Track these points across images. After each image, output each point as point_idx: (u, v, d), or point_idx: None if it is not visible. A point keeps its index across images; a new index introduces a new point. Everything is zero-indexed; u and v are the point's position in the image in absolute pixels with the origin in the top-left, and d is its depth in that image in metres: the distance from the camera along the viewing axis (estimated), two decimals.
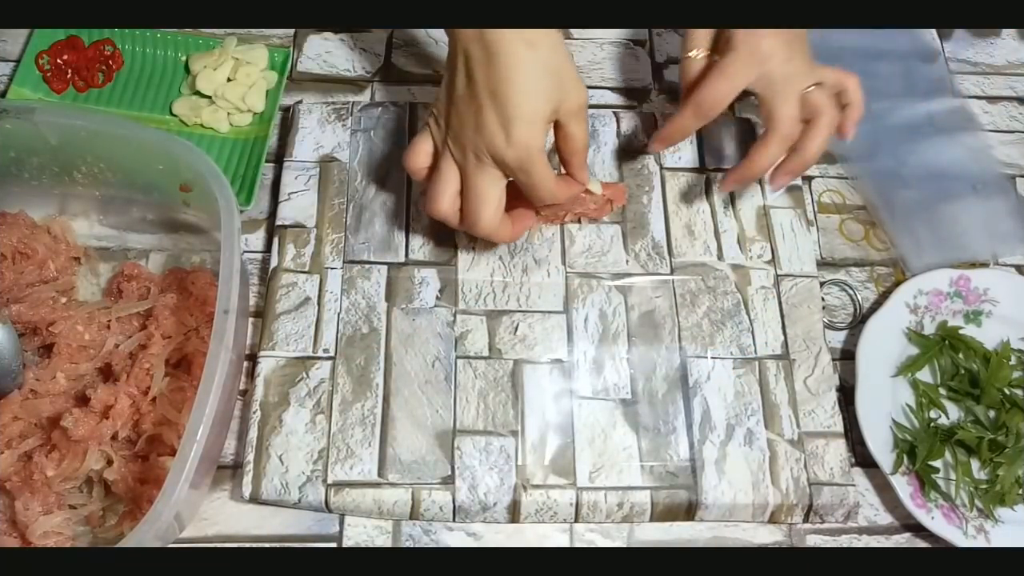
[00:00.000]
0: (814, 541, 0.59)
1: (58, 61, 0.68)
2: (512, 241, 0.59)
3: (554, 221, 0.65)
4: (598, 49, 0.76)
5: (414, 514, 0.56)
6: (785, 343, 0.62)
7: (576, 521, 0.57)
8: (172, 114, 0.68)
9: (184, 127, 0.68)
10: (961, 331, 0.64)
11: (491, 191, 0.53)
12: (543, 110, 0.51)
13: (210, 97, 0.68)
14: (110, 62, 0.69)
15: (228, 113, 0.68)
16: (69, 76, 0.68)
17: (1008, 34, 0.79)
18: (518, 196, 0.55)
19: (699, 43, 0.59)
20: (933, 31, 0.78)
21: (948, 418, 0.62)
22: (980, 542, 0.57)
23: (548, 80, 0.51)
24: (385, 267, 0.63)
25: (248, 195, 0.64)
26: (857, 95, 0.58)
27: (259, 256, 0.65)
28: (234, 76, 0.69)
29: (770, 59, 0.55)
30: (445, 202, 0.54)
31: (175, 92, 0.69)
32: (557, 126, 0.54)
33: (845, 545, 0.59)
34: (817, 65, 0.57)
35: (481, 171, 0.52)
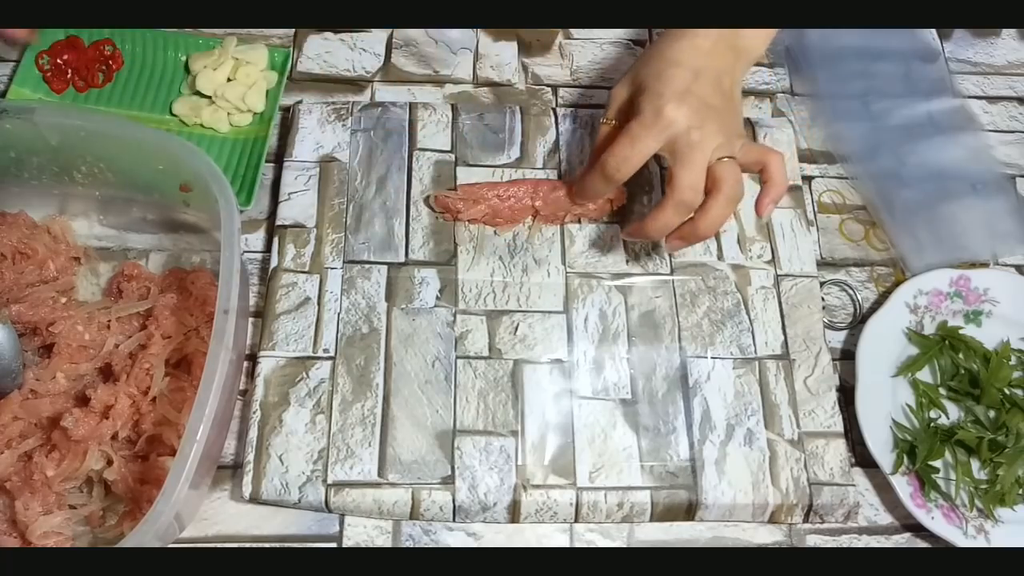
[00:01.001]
0: (814, 541, 0.59)
1: (58, 61, 0.68)
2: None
3: (554, 221, 0.65)
4: (598, 49, 0.76)
5: (414, 514, 0.56)
6: (785, 343, 0.62)
7: (576, 521, 0.57)
8: (172, 114, 0.68)
9: (184, 127, 0.68)
10: (961, 331, 0.64)
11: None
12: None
13: (210, 97, 0.68)
14: (110, 62, 0.69)
15: (228, 113, 0.68)
16: (69, 76, 0.68)
17: (1008, 34, 0.79)
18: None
19: (614, 111, 0.59)
20: (933, 31, 0.78)
21: (948, 418, 0.62)
22: (980, 542, 0.57)
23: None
24: (385, 267, 0.63)
25: (248, 195, 0.64)
26: (779, 174, 0.56)
27: (259, 256, 0.65)
28: (234, 76, 0.68)
29: (673, 124, 0.53)
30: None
31: (175, 92, 0.69)
32: None
33: (845, 545, 0.59)
34: (740, 138, 0.56)
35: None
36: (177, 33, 0.70)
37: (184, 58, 0.70)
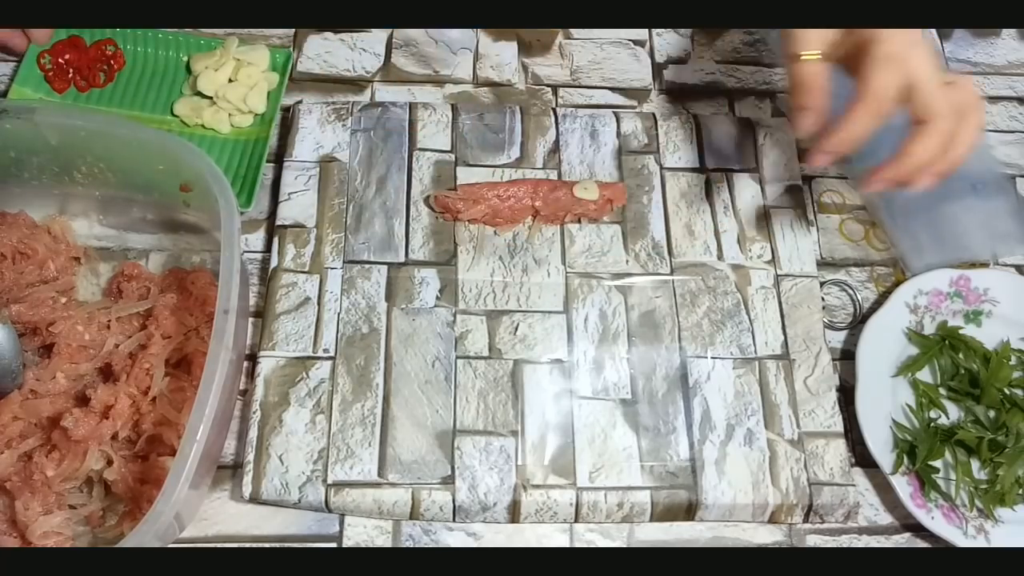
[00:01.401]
0: (814, 541, 0.59)
1: (60, 60, 0.67)
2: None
3: (554, 221, 0.65)
4: (598, 49, 0.76)
5: (414, 514, 0.56)
6: (785, 343, 0.62)
7: (576, 521, 0.57)
8: (173, 114, 0.68)
9: (185, 128, 0.68)
10: (961, 331, 0.64)
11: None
12: None
13: (211, 98, 0.68)
14: (111, 62, 0.69)
15: (229, 114, 0.68)
16: (71, 76, 0.68)
17: (1008, 34, 0.79)
18: None
19: (811, 44, 0.53)
20: (933, 31, 0.78)
21: (948, 418, 0.62)
22: (980, 542, 0.57)
23: None
24: (385, 267, 0.63)
25: (249, 196, 0.64)
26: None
27: (259, 256, 0.65)
28: (235, 77, 0.68)
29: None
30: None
31: (176, 92, 0.69)
32: None
33: (845, 545, 0.59)
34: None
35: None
36: (178, 33, 0.70)
37: (185, 58, 0.70)
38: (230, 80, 0.68)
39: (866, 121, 0.52)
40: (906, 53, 0.51)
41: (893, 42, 0.51)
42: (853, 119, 0.52)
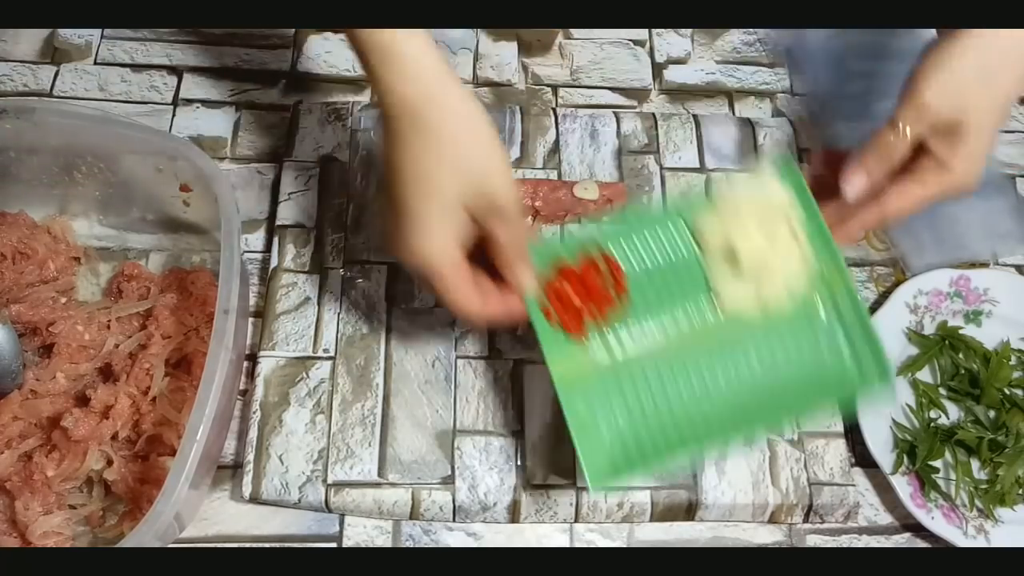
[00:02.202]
0: (814, 541, 0.59)
1: (559, 292, 0.51)
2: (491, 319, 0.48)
3: (554, 221, 0.65)
4: (598, 49, 0.76)
5: (414, 514, 0.56)
6: None
7: (576, 521, 0.57)
8: (716, 302, 0.52)
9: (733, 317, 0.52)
10: (961, 331, 0.64)
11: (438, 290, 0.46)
12: (444, 213, 0.43)
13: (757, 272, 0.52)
14: (614, 272, 0.52)
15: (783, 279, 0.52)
16: (578, 307, 0.51)
17: None
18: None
19: (923, 122, 0.50)
20: (933, 31, 0.78)
21: (948, 418, 0.62)
22: (980, 542, 0.57)
23: (452, 177, 0.43)
24: (385, 267, 0.63)
25: (883, 369, 0.50)
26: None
27: (259, 256, 0.65)
28: (768, 232, 0.52)
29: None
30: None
31: (695, 270, 0.52)
32: (481, 229, 0.46)
33: (845, 545, 0.59)
34: None
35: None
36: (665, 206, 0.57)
37: (682, 219, 0.53)
38: (761, 236, 0.52)
39: (862, 228, 0.53)
40: (943, 197, 0.51)
41: (950, 187, 0.51)
42: (859, 220, 0.52)
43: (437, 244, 0.44)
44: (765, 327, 0.51)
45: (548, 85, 0.74)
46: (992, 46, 0.50)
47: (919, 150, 0.51)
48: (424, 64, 0.44)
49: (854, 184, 0.51)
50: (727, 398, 0.50)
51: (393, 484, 0.56)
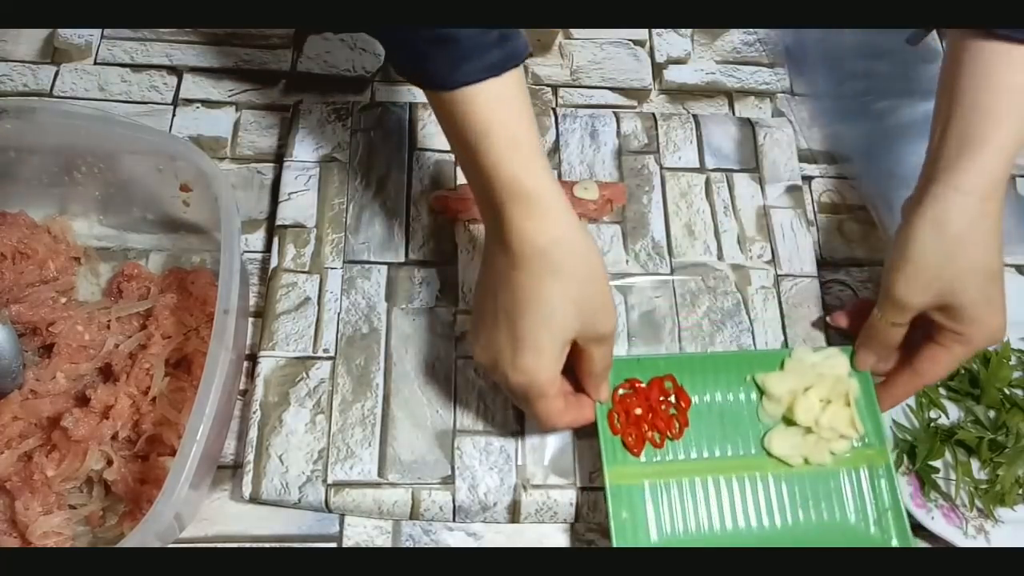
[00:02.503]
0: None
1: (629, 414, 0.56)
2: (575, 426, 0.54)
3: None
4: (598, 49, 0.76)
5: (414, 514, 0.56)
6: (785, 343, 0.62)
7: (576, 521, 0.57)
8: (765, 450, 0.57)
9: (784, 466, 0.56)
10: None
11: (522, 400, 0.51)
12: (557, 340, 0.47)
13: (808, 427, 0.57)
14: (680, 400, 0.57)
15: (829, 441, 0.57)
16: (645, 430, 0.56)
17: None
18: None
19: (906, 316, 0.53)
20: (933, 31, 0.78)
21: (948, 418, 0.62)
22: (980, 542, 0.57)
23: (570, 310, 0.47)
24: (385, 267, 0.63)
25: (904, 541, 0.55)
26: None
27: (259, 256, 0.65)
28: (826, 396, 0.57)
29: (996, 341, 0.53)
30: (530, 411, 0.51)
31: (752, 417, 0.57)
32: (576, 346, 0.50)
33: None
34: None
35: (492, 374, 0.51)
36: (740, 353, 0.61)
37: (750, 376, 0.58)
38: (822, 400, 0.57)
39: (906, 395, 0.57)
40: (979, 349, 0.53)
41: (976, 347, 0.52)
42: (901, 388, 0.56)
43: (549, 369, 0.48)
44: (804, 475, 0.57)
45: (548, 85, 0.74)
46: (951, 211, 0.50)
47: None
48: (555, 207, 0.47)
49: (864, 365, 0.57)
50: (753, 526, 0.55)
51: (393, 484, 0.56)
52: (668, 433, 0.56)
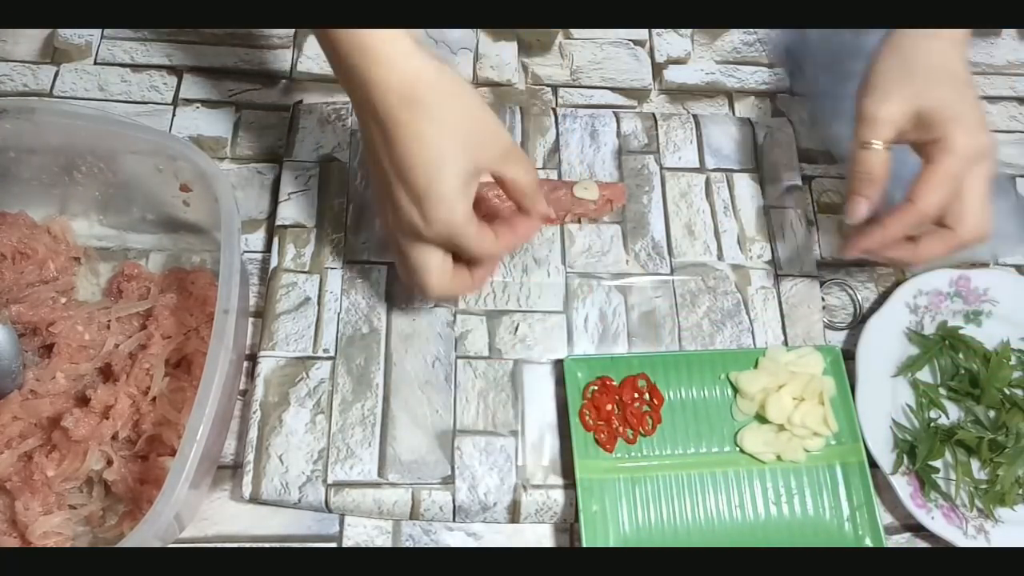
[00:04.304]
0: None
1: (600, 409, 0.58)
2: (476, 290, 0.53)
3: (554, 222, 0.65)
4: (598, 49, 0.76)
5: (414, 514, 0.56)
6: (785, 343, 0.62)
7: (576, 521, 0.57)
8: (737, 446, 0.58)
9: (757, 462, 0.58)
10: (961, 331, 0.64)
11: (430, 261, 0.50)
12: (456, 181, 0.47)
13: (780, 425, 0.58)
14: (652, 398, 0.59)
15: (802, 439, 0.58)
16: (615, 427, 0.57)
17: (1008, 34, 0.79)
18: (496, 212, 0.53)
19: (888, 133, 0.53)
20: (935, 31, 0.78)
21: (948, 418, 0.62)
22: (980, 542, 0.57)
23: (454, 144, 0.46)
24: (385, 267, 0.63)
25: (876, 539, 0.56)
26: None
27: (259, 256, 0.65)
28: (799, 395, 0.58)
29: (988, 155, 0.52)
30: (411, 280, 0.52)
31: (726, 416, 0.59)
32: (494, 176, 0.50)
33: None
34: None
35: (412, 247, 0.50)
36: (715, 351, 0.61)
37: (724, 375, 0.60)
38: (794, 398, 0.58)
39: (904, 229, 0.54)
40: (969, 169, 0.51)
41: (961, 154, 0.51)
42: (892, 225, 0.54)
43: (459, 211, 0.47)
44: (776, 471, 0.58)
45: (548, 85, 0.74)
46: (912, 38, 0.53)
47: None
48: (401, 47, 0.46)
49: (856, 211, 0.55)
50: (727, 520, 0.56)
51: (393, 484, 0.56)
52: (641, 430, 0.57)
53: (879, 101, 0.53)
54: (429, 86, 0.46)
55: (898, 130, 0.53)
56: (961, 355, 0.63)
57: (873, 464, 0.59)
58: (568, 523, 0.58)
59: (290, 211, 0.64)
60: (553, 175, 0.67)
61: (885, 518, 0.60)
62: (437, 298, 0.51)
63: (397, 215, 0.49)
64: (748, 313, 0.63)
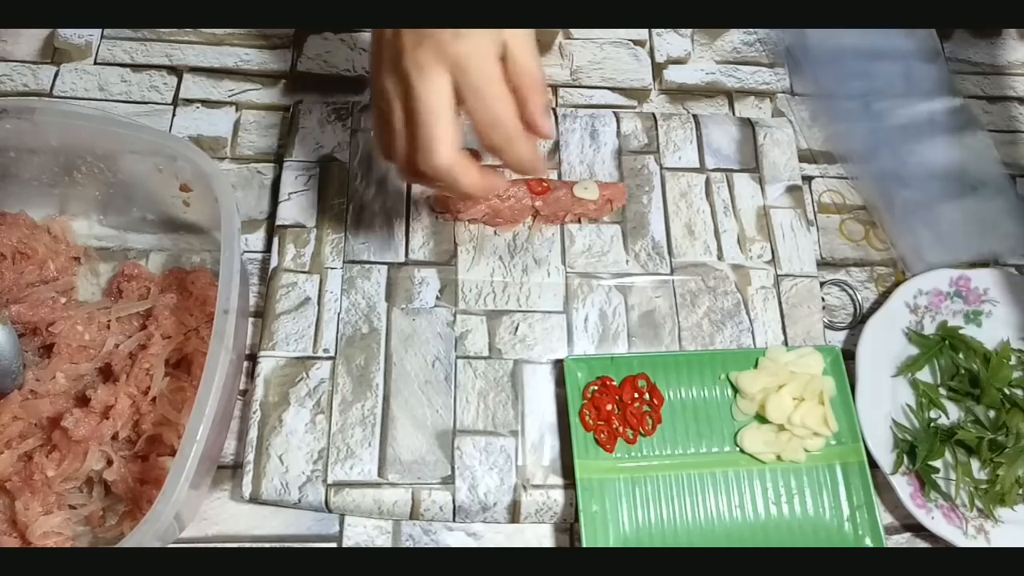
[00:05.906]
0: None
1: (600, 409, 0.58)
2: (484, 193, 0.50)
3: (554, 221, 0.65)
4: (598, 49, 0.76)
5: (414, 514, 0.56)
6: (785, 343, 0.62)
7: (576, 521, 0.57)
8: (737, 446, 0.58)
9: (757, 462, 0.58)
10: (961, 331, 0.64)
11: (439, 99, 0.47)
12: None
13: (780, 425, 0.58)
14: (652, 398, 0.59)
15: (803, 439, 0.58)
16: (615, 427, 0.57)
17: (1008, 34, 0.79)
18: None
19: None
20: (933, 31, 0.78)
21: (948, 418, 0.62)
22: (980, 542, 0.57)
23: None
24: (385, 267, 0.63)
25: (877, 539, 0.56)
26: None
27: (259, 256, 0.65)
28: (799, 395, 0.58)
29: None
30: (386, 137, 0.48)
31: (726, 415, 0.59)
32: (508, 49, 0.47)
33: None
34: None
35: (419, 78, 0.46)
36: (716, 352, 0.61)
37: (723, 375, 0.60)
38: (795, 399, 0.58)
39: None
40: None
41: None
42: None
43: (452, 148, 0.47)
44: (776, 471, 0.58)
45: (548, 85, 0.74)
46: None
47: None
48: None
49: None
50: (727, 520, 0.56)
51: (393, 484, 0.56)
52: (641, 430, 0.57)
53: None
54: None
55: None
56: (961, 355, 0.63)
57: (873, 464, 0.59)
58: (568, 523, 0.58)
59: (290, 211, 0.64)
60: (553, 175, 0.67)
61: (885, 518, 0.60)
62: (442, 166, 0.47)
63: (391, 142, 0.47)
64: (748, 313, 0.63)
